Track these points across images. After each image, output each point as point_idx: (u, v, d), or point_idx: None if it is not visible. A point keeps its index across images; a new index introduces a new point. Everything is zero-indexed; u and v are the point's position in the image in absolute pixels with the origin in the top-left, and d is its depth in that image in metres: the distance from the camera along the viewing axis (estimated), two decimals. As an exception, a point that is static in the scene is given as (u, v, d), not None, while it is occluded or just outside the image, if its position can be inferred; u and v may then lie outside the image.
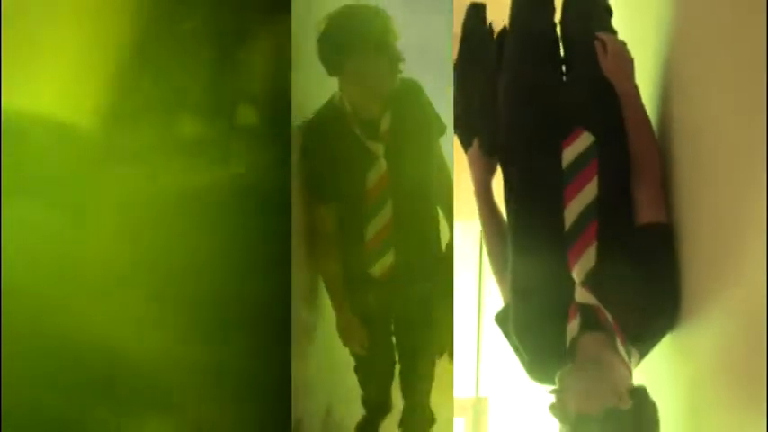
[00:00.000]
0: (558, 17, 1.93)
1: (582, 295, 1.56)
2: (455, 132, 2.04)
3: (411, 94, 2.17)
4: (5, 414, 1.45)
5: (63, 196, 1.49)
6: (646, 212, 1.60)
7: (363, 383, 2.43)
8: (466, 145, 1.96)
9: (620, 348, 1.53)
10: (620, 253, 1.57)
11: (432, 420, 2.45)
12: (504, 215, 1.82)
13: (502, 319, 1.74)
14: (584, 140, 1.65)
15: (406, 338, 2.34)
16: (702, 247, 1.47)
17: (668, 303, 1.55)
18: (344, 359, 2.39)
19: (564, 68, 1.88)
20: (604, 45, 1.70)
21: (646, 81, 1.74)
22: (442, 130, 2.21)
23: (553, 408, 1.48)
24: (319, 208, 2.20)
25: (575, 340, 1.53)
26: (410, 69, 2.14)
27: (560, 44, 1.90)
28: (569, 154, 1.65)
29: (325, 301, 2.33)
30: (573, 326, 1.55)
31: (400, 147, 2.16)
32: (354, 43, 2.03)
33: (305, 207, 2.15)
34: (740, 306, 1.30)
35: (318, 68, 2.11)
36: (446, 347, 2.36)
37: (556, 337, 1.57)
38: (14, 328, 1.46)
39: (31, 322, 1.46)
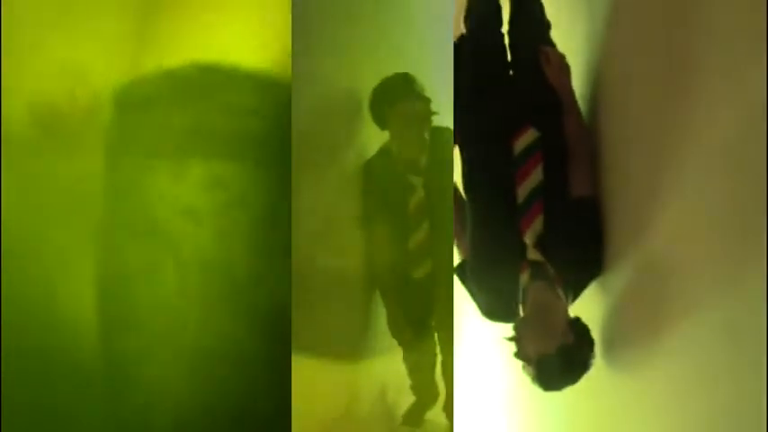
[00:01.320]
0: (505, 28, 2.28)
1: (532, 254, 1.92)
2: None
3: (444, 139, 2.80)
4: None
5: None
6: (577, 188, 1.98)
7: (410, 372, 2.95)
8: None
9: (560, 293, 1.87)
10: (560, 221, 1.94)
11: None
12: (461, 188, 2.17)
13: (461, 271, 2.12)
14: (530, 135, 2.02)
15: (444, 334, 2.86)
16: (619, 214, 1.87)
17: (595, 258, 1.94)
18: (398, 351, 2.90)
19: (511, 71, 2.23)
20: (547, 56, 2.08)
21: (577, 83, 2.12)
22: None
23: (516, 354, 1.79)
24: (375, 227, 2.84)
25: (526, 288, 1.88)
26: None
27: (507, 51, 2.25)
28: (519, 145, 2.01)
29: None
30: (524, 277, 1.89)
31: (436, 180, 2.79)
32: (394, 98, 2.73)
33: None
34: (644, 258, 1.69)
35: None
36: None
37: (509, 285, 1.92)
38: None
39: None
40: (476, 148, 2.11)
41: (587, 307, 1.96)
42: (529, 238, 1.93)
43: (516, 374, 2.55)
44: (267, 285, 1.50)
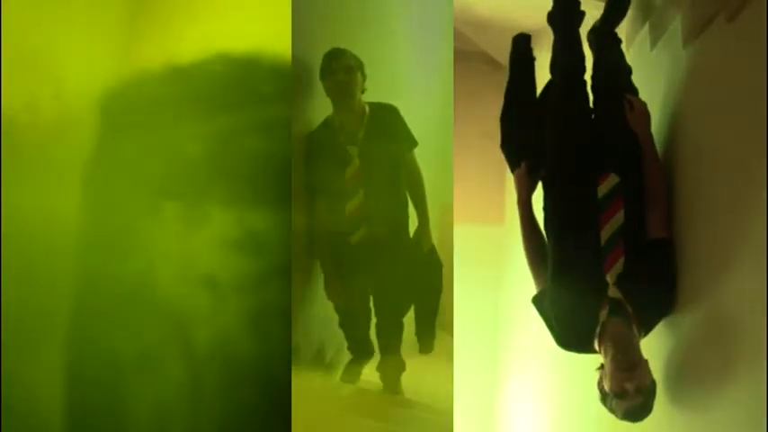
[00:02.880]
0: (588, 74, 2.46)
1: (612, 292, 2.07)
2: (504, 154, 2.56)
3: (385, 114, 2.98)
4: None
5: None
6: (654, 230, 2.12)
7: (347, 335, 3.14)
8: (513, 165, 2.48)
9: (634, 329, 2.02)
10: (637, 261, 2.09)
11: (402, 367, 3.15)
12: (540, 222, 2.32)
13: (538, 301, 2.26)
14: (612, 180, 2.17)
15: (379, 298, 3.07)
16: (694, 256, 2.00)
17: (667, 297, 2.08)
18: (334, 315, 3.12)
19: (593, 116, 2.39)
20: (631, 103, 2.24)
21: (656, 129, 2.29)
22: (413, 144, 3.04)
23: (600, 384, 1.98)
24: (316, 195, 2.99)
25: (604, 323, 2.03)
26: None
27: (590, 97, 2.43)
28: (602, 190, 2.17)
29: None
30: (604, 313, 2.04)
31: (372, 151, 2.96)
32: (333, 69, 2.90)
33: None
34: (715, 302, 1.81)
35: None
36: (411, 308, 3.12)
37: (587, 319, 2.05)
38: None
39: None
40: (562, 191, 2.26)
41: (653, 343, 2.10)
42: (610, 277, 2.09)
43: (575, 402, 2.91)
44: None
